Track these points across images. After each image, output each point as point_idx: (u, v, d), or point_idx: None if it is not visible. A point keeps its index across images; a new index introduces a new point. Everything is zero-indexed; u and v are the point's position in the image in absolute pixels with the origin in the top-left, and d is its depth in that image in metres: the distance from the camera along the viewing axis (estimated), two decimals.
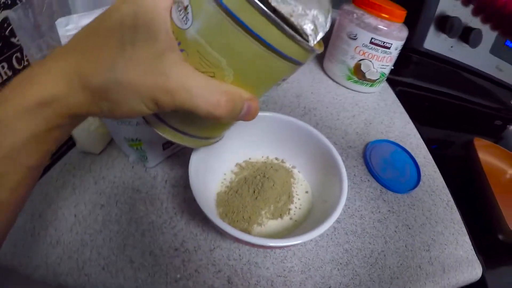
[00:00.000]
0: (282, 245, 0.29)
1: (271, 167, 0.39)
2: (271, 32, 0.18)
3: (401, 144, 0.53)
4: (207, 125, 0.27)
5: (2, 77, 0.33)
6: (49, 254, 0.34)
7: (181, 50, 0.19)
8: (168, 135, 0.26)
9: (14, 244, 0.35)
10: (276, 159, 0.42)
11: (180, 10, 0.19)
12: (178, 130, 0.26)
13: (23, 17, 0.33)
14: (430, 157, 0.53)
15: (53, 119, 0.17)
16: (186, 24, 0.19)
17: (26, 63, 0.36)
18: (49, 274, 0.33)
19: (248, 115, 0.23)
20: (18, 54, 0.35)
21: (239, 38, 0.18)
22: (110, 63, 0.17)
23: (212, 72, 0.20)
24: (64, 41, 0.31)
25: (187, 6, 0.18)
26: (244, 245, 0.36)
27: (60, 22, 0.30)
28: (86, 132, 0.41)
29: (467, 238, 0.43)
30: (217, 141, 0.31)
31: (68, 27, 0.31)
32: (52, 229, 0.36)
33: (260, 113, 0.41)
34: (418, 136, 0.57)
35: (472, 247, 0.42)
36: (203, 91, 0.19)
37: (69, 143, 0.46)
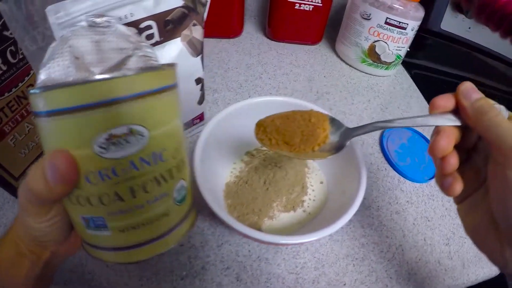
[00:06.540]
0: (294, 242, 0.26)
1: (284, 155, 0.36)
2: None
3: (418, 130, 0.50)
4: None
5: None
6: None
7: None
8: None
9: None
10: None
11: None
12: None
13: (14, 8, 0.31)
14: None
15: (14, 246, 0.19)
16: None
17: (21, 56, 0.35)
18: None
19: (58, 175, 0.16)
20: (13, 48, 0.34)
21: None
22: None
23: None
24: (55, 29, 0.30)
25: None
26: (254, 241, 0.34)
27: (50, 10, 0.29)
28: None
29: None
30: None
31: (59, 14, 0.29)
32: None
33: (271, 98, 0.38)
34: None
35: None
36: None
37: None
